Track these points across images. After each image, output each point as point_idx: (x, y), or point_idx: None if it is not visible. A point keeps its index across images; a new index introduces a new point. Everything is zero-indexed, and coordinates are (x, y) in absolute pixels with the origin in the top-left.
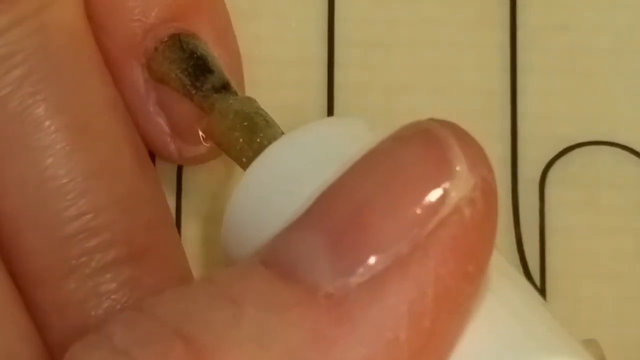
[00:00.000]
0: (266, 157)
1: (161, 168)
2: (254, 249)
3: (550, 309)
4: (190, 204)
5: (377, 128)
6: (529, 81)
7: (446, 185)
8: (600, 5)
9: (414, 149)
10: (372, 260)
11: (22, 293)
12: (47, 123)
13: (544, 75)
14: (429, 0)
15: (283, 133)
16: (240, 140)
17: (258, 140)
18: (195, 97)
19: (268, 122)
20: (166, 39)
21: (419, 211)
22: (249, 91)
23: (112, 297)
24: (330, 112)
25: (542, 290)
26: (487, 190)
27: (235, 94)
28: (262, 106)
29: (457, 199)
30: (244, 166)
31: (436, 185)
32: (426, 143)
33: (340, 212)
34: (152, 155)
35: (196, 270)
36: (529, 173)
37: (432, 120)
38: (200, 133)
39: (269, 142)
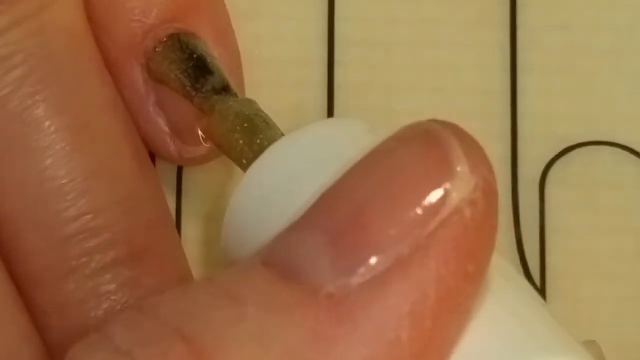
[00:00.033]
0: (266, 158)
1: (161, 168)
2: (254, 250)
3: (550, 309)
4: (190, 204)
5: (377, 129)
6: (529, 81)
7: (447, 185)
8: (600, 5)
9: (415, 150)
10: (372, 260)
11: (22, 293)
12: (46, 123)
13: (544, 75)
14: (429, 0)
15: (283, 134)
16: (240, 141)
17: (258, 141)
18: (195, 99)
19: (268, 124)
20: (165, 39)
21: (419, 211)
22: (249, 91)
23: (112, 297)
24: (330, 112)
25: (542, 290)
26: (488, 190)
27: (235, 95)
28: (262, 106)
29: (458, 199)
30: (244, 168)
31: (437, 185)
32: (427, 143)
33: (341, 212)
34: (152, 156)
35: (196, 270)
36: (529, 173)
37: (432, 120)
38: (200, 134)
39: (269, 144)
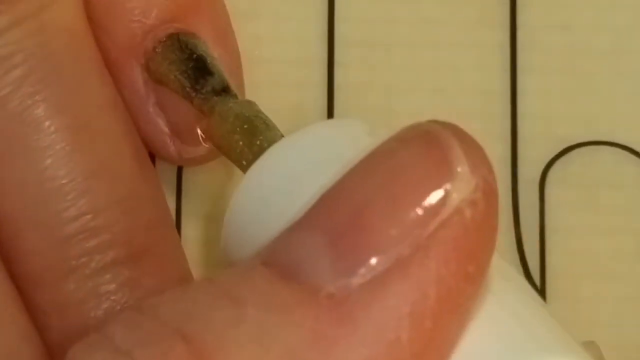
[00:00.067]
0: (266, 159)
1: (161, 168)
2: (254, 251)
3: (550, 309)
4: (190, 204)
5: (377, 130)
6: (529, 81)
7: (447, 186)
8: (600, 5)
9: (415, 150)
10: (373, 261)
11: (22, 293)
12: (46, 123)
13: (544, 75)
14: (429, 0)
15: (283, 136)
16: (240, 143)
17: (258, 143)
18: (195, 100)
19: (268, 125)
20: (164, 39)
21: (420, 212)
22: (249, 91)
23: (112, 297)
24: (330, 112)
25: (542, 290)
26: (488, 191)
27: (235, 96)
28: (262, 107)
29: (458, 200)
30: (244, 169)
31: (437, 186)
32: (427, 144)
33: (341, 213)
34: (152, 156)
35: (196, 270)
36: (529, 173)
37: (433, 121)
38: (200, 134)
39: (269, 145)
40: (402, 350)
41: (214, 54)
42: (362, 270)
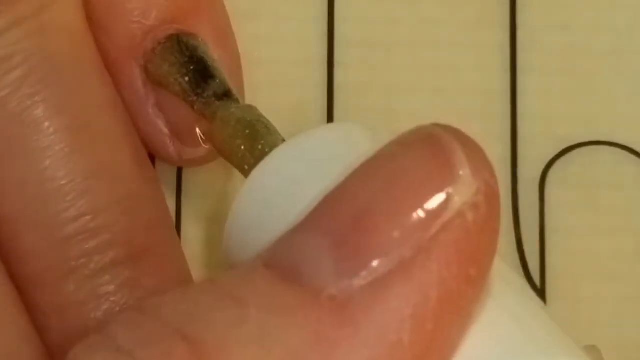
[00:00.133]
0: (268, 163)
1: (161, 169)
2: (256, 254)
3: (550, 311)
4: (190, 205)
5: (378, 133)
6: (529, 81)
7: (449, 189)
8: (600, 5)
9: (418, 154)
10: (375, 263)
11: (22, 294)
12: (46, 124)
13: (544, 75)
14: (429, 0)
15: (284, 140)
16: (242, 147)
17: (259, 147)
18: (197, 104)
19: (269, 130)
20: (164, 40)
21: (422, 215)
22: (249, 92)
23: (111, 298)
24: (330, 112)
25: (542, 290)
26: (490, 194)
27: (237, 101)
28: (262, 107)
29: (460, 203)
30: (246, 174)
31: (439, 189)
32: (430, 147)
33: (344, 215)
34: (152, 157)
35: (196, 271)
36: (529, 173)
37: (435, 125)
38: (199, 135)
39: (271, 150)
40: (403, 352)
41: (214, 55)
42: (364, 272)
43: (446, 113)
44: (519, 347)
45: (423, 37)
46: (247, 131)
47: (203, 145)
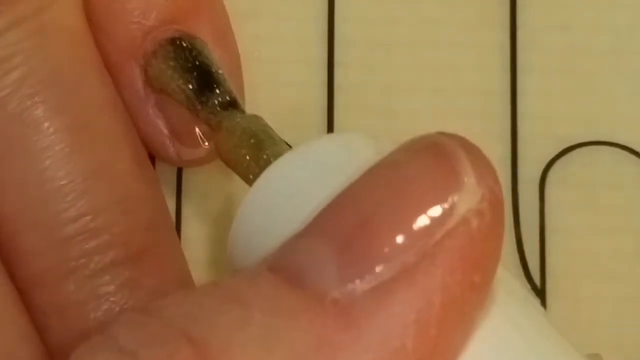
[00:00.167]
0: (272, 171)
1: (161, 169)
2: (260, 259)
3: (550, 312)
4: (190, 205)
5: (381, 144)
6: (529, 81)
7: (454, 196)
8: (600, 5)
9: (423, 161)
10: (379, 268)
11: (22, 294)
12: (46, 124)
13: (544, 75)
14: (429, 0)
15: (289, 149)
16: (247, 157)
17: (264, 157)
18: (201, 113)
19: (274, 140)
20: (165, 43)
21: (426, 221)
22: (249, 92)
23: (111, 299)
24: (330, 112)
25: (542, 290)
26: (495, 202)
27: (242, 110)
28: (262, 107)
29: (465, 210)
30: (251, 183)
31: (444, 196)
32: (435, 155)
33: (348, 220)
34: (152, 157)
35: (196, 271)
36: (529, 173)
37: (440, 133)
38: (199, 135)
39: (276, 159)
40: (406, 358)
41: (216, 57)
42: (368, 277)
43: (446, 113)
44: (522, 356)
45: (423, 37)
46: (252, 141)
47: (202, 145)
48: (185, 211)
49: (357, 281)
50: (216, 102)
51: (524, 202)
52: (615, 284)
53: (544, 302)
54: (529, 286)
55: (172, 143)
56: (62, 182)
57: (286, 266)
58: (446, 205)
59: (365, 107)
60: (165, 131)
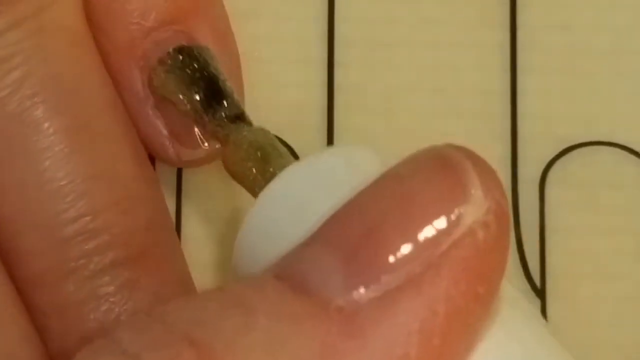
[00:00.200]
0: (277, 182)
1: (161, 169)
2: (266, 268)
3: (550, 312)
4: (190, 205)
5: (385, 157)
6: (529, 81)
7: (461, 208)
8: (600, 5)
9: (430, 173)
10: (384, 277)
11: (22, 295)
12: (46, 125)
13: (544, 75)
14: (429, 0)
15: (295, 162)
16: (253, 170)
17: (271, 170)
18: (209, 126)
19: (281, 153)
20: (170, 51)
21: (432, 232)
22: (249, 92)
23: (111, 299)
24: (330, 112)
25: (542, 290)
26: (500, 214)
27: (250, 122)
28: (262, 107)
29: (471, 221)
30: (257, 196)
31: (451, 207)
32: (442, 167)
33: (354, 230)
34: (152, 157)
35: (196, 271)
36: (529, 173)
37: (447, 145)
38: (198, 136)
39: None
40: None
41: (222, 66)
42: (373, 286)
43: (446, 113)
44: None
45: (423, 37)
46: (259, 154)
47: (202, 146)
48: (185, 211)
49: (363, 290)
50: (224, 114)
51: (524, 202)
52: (615, 284)
53: (544, 302)
54: (529, 286)
55: (171, 144)
56: (61, 183)
57: (292, 274)
58: (453, 217)
59: (365, 107)
60: (165, 132)
